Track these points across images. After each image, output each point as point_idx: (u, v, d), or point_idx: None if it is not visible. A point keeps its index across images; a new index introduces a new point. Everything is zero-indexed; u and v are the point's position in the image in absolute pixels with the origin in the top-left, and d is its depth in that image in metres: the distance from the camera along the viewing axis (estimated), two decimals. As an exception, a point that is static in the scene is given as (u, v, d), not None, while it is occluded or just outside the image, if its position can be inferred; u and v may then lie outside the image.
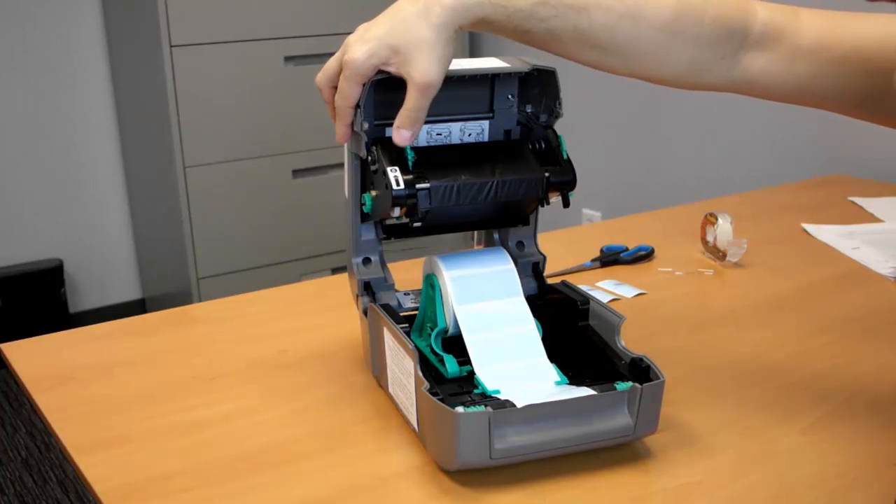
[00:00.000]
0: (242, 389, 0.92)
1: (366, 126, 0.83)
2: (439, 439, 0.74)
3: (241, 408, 0.88)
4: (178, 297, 2.62)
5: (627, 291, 1.17)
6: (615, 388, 0.75)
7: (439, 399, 0.72)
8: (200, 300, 2.49)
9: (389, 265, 0.93)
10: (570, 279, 1.00)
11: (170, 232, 2.56)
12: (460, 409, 0.70)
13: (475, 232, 1.00)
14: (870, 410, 0.86)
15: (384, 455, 0.79)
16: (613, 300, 1.15)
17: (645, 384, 0.75)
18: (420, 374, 0.75)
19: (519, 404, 0.73)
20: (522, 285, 0.88)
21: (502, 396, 0.78)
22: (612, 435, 0.76)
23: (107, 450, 0.81)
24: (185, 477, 0.76)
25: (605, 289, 1.18)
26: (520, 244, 0.95)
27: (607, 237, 1.35)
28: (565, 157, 0.86)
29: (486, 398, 0.78)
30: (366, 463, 0.78)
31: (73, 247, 2.83)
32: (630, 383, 0.75)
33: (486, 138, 0.91)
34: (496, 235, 0.97)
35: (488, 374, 0.81)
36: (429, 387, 0.73)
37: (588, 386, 0.78)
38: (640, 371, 0.78)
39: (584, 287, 0.92)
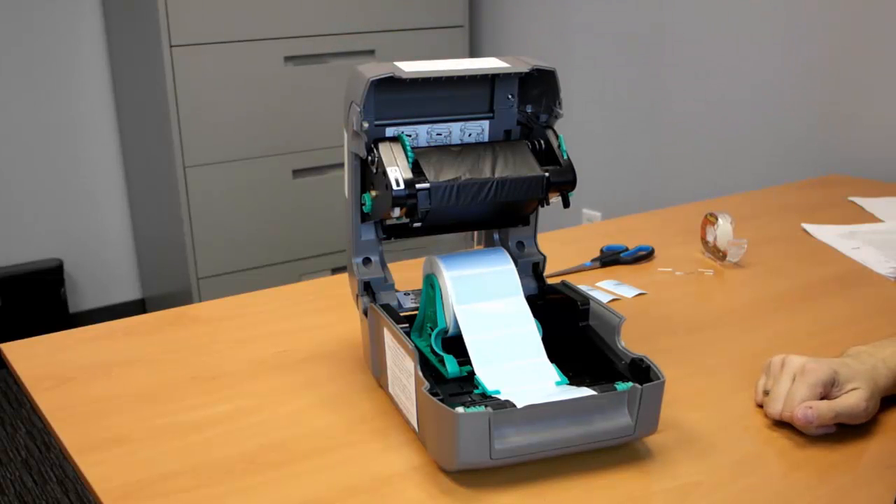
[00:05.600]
0: (242, 389, 0.92)
1: (366, 126, 0.83)
2: (439, 439, 0.74)
3: (241, 408, 0.88)
4: (178, 297, 2.62)
5: (627, 291, 1.17)
6: (615, 389, 0.75)
7: (439, 399, 0.72)
8: (200, 300, 2.49)
9: (389, 265, 0.93)
10: (570, 279, 1.00)
11: (170, 232, 2.56)
12: (460, 409, 0.70)
13: (475, 232, 1.00)
14: None
15: (384, 455, 0.79)
16: (613, 300, 1.15)
17: (645, 384, 0.75)
18: (420, 374, 0.75)
19: (519, 404, 0.73)
20: (522, 285, 0.88)
21: (502, 397, 0.78)
22: (612, 435, 0.76)
23: (107, 450, 0.81)
24: (185, 477, 0.76)
25: (605, 289, 1.18)
26: (520, 244, 0.95)
27: (607, 237, 1.35)
28: (565, 157, 0.86)
29: (487, 398, 0.78)
30: (366, 463, 0.78)
31: (73, 247, 2.82)
32: (630, 383, 0.75)
33: (486, 138, 0.91)
34: (496, 236, 0.97)
35: (488, 375, 0.81)
36: (429, 387, 0.73)
37: (588, 386, 0.78)
38: (641, 371, 0.78)
39: (583, 287, 0.92)
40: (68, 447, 0.81)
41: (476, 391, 0.80)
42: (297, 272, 2.61)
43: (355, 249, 0.90)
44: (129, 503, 0.73)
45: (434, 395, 0.73)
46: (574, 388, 0.79)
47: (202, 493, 0.74)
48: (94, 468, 0.78)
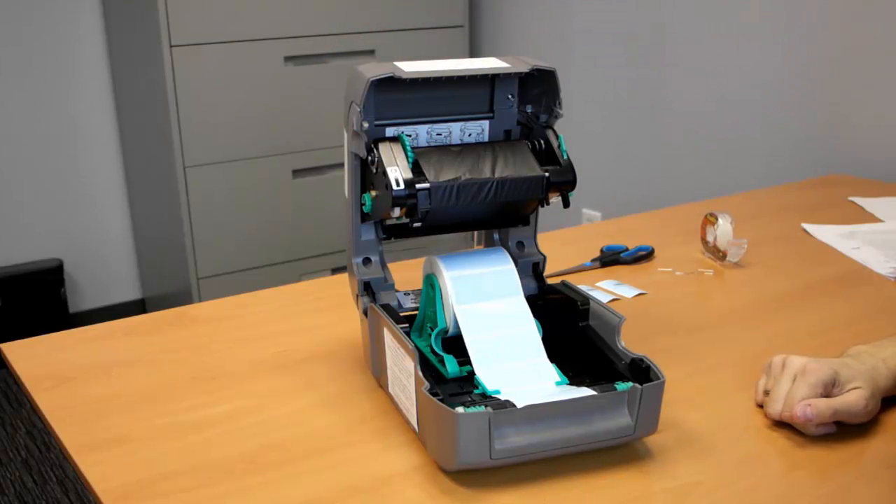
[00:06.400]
0: (242, 389, 0.92)
1: (366, 126, 0.83)
2: (439, 439, 0.74)
3: (241, 408, 0.88)
4: (178, 297, 2.62)
5: (627, 291, 1.17)
6: (615, 389, 0.75)
7: (439, 399, 0.72)
8: (200, 300, 2.48)
9: (389, 265, 0.93)
10: (570, 279, 1.00)
11: (170, 232, 2.56)
12: (460, 409, 0.70)
13: (475, 232, 1.00)
14: None
15: (384, 455, 0.79)
16: (613, 300, 1.15)
17: (645, 384, 0.75)
18: (420, 374, 0.75)
19: (519, 405, 0.73)
20: (522, 285, 0.88)
21: (502, 397, 0.78)
22: (612, 435, 0.76)
23: (107, 450, 0.81)
24: (185, 477, 0.76)
25: (605, 289, 1.18)
26: (520, 244, 0.95)
27: (607, 237, 1.35)
28: (565, 157, 0.86)
29: (487, 398, 0.78)
30: (366, 463, 0.78)
31: (73, 247, 2.82)
32: (630, 384, 0.75)
33: (486, 138, 0.91)
34: (496, 236, 0.97)
35: (488, 375, 0.81)
36: (429, 387, 0.73)
37: (588, 386, 0.78)
38: (641, 371, 0.78)
39: (583, 287, 0.92)
40: (68, 447, 0.81)
41: (476, 391, 0.80)
42: (297, 272, 2.61)
43: (355, 249, 0.90)
44: (129, 503, 0.73)
45: (434, 395, 0.73)
46: (574, 388, 0.79)
47: (202, 493, 0.74)
48: (94, 468, 0.78)
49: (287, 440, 0.82)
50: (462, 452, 0.72)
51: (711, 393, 0.90)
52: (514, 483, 0.74)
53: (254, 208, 2.54)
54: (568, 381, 0.81)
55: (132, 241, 2.92)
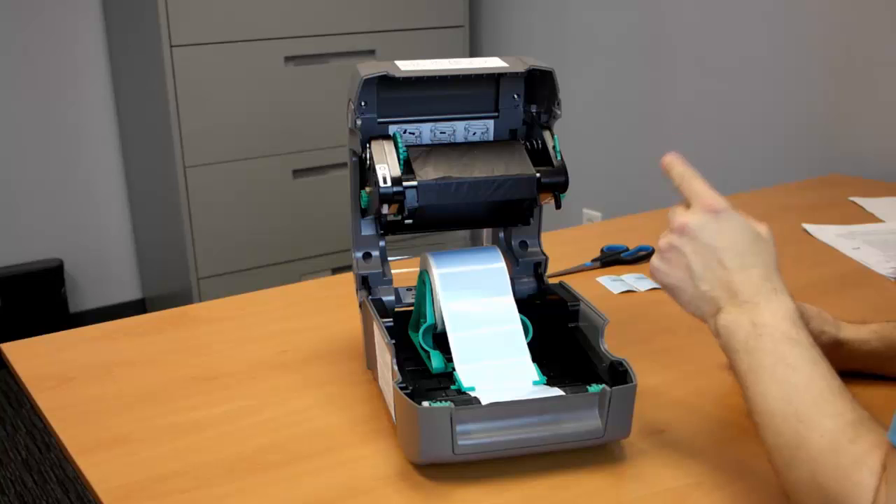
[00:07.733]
0: (242, 389, 0.92)
1: (359, 123, 0.84)
2: (406, 432, 0.74)
3: (241, 408, 0.88)
4: (178, 297, 2.62)
5: (644, 285, 1.18)
6: (586, 390, 0.75)
7: (407, 393, 0.72)
8: (200, 300, 2.48)
9: (407, 261, 0.93)
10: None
11: (170, 232, 2.56)
12: (425, 403, 0.71)
13: (483, 232, 1.00)
14: (869, 410, 0.85)
15: (384, 456, 0.79)
16: (627, 291, 1.15)
17: (615, 387, 0.74)
18: (395, 367, 0.75)
19: (487, 402, 0.73)
20: (523, 285, 0.88)
21: (476, 394, 0.77)
22: (580, 437, 0.75)
23: (107, 450, 0.81)
24: (185, 477, 0.76)
25: (625, 281, 1.20)
26: (523, 244, 0.95)
27: (608, 237, 1.35)
28: (559, 158, 0.86)
29: (461, 394, 0.78)
30: (365, 463, 0.78)
31: (73, 247, 2.82)
32: (601, 386, 0.75)
33: (491, 137, 0.91)
34: (502, 235, 0.97)
35: (467, 371, 0.80)
36: (399, 380, 0.74)
37: (567, 387, 0.77)
38: (618, 374, 0.78)
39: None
40: (68, 447, 0.81)
41: (453, 387, 0.80)
42: (297, 272, 2.61)
43: (356, 244, 0.91)
44: (130, 503, 0.73)
45: (402, 388, 0.73)
46: (548, 388, 0.78)
47: (202, 493, 0.74)
48: (94, 468, 0.78)
49: (287, 440, 0.82)
50: (425, 446, 0.72)
51: (711, 393, 0.90)
52: (516, 483, 0.74)
53: (254, 208, 2.54)
54: (545, 381, 0.81)
55: (132, 241, 2.92)
